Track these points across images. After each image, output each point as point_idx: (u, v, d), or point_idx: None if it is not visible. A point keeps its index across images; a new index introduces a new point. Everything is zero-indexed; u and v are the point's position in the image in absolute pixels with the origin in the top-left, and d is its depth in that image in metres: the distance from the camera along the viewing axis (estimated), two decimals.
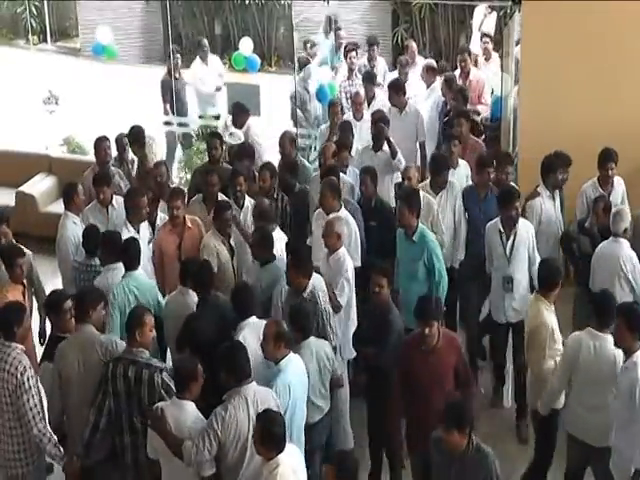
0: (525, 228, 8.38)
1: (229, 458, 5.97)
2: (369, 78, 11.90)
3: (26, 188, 12.22)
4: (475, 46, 13.54)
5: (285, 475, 5.60)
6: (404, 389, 6.81)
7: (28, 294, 8.18)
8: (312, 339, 6.97)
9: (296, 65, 12.51)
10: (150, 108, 13.63)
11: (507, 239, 8.29)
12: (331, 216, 8.24)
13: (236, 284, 7.83)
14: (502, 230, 8.31)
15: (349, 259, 8.01)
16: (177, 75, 13.37)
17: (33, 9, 18.09)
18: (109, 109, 14.52)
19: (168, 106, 13.29)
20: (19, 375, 6.45)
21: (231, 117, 11.15)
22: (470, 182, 9.45)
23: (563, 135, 9.70)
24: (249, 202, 9.00)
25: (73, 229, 8.70)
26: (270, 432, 5.64)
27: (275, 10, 17.90)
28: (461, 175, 9.60)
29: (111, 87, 15.67)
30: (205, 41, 14.24)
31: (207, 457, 5.87)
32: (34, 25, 18.30)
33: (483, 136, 11.00)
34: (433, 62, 12.73)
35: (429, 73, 12.05)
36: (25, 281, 8.11)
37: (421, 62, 12.95)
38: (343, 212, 8.48)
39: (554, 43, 9.81)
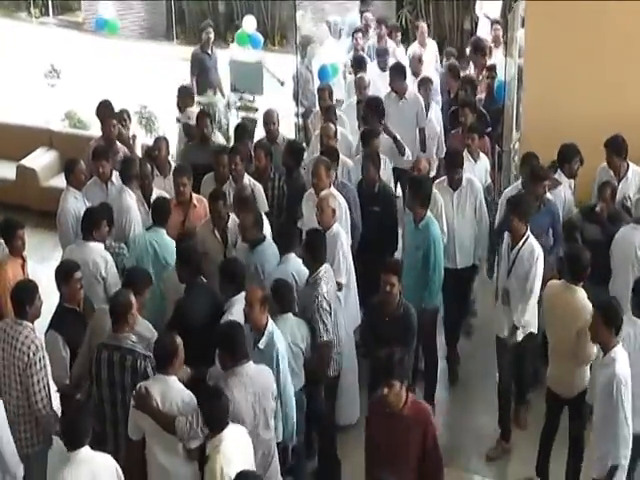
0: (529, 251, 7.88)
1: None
2: (358, 63, 11.80)
3: (27, 162, 12.21)
4: (483, 32, 13.44)
5: (228, 452, 5.63)
6: (370, 455, 6.13)
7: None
8: (290, 315, 7.03)
9: (297, 44, 12.43)
10: (153, 84, 13.57)
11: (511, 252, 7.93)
12: (323, 193, 8.23)
13: (226, 258, 7.81)
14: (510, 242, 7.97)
15: (343, 234, 8.04)
16: (209, 51, 13.18)
17: None
18: (111, 84, 14.48)
19: (195, 81, 13.07)
20: (31, 354, 6.45)
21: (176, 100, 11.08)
22: (489, 178, 9.44)
23: (567, 122, 9.65)
24: (248, 181, 8.97)
25: (74, 203, 8.71)
26: (212, 409, 5.68)
27: None
28: (481, 169, 9.53)
29: (113, 62, 15.61)
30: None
31: (200, 435, 5.85)
32: None
33: (490, 129, 10.73)
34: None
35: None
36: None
37: (431, 44, 12.96)
38: (333, 191, 8.48)
39: (558, 29, 9.77)
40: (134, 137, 10.61)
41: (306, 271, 7.53)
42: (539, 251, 7.75)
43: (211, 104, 12.52)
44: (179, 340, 6.14)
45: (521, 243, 7.73)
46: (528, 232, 7.77)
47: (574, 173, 9.06)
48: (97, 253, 7.69)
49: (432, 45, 13.31)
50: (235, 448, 5.70)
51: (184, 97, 11.16)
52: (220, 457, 5.62)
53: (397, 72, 10.94)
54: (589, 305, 7.05)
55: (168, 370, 6.09)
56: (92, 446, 5.59)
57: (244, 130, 10.11)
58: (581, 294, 7.22)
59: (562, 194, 8.89)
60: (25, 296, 6.67)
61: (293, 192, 9.14)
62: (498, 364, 8.16)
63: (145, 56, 15.94)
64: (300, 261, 7.61)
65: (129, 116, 10.57)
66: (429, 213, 8.30)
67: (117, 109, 10.54)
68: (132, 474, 6.00)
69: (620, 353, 6.36)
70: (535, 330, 8.01)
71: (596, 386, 6.49)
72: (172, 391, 6.04)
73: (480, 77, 11.64)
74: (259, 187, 8.99)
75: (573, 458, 7.34)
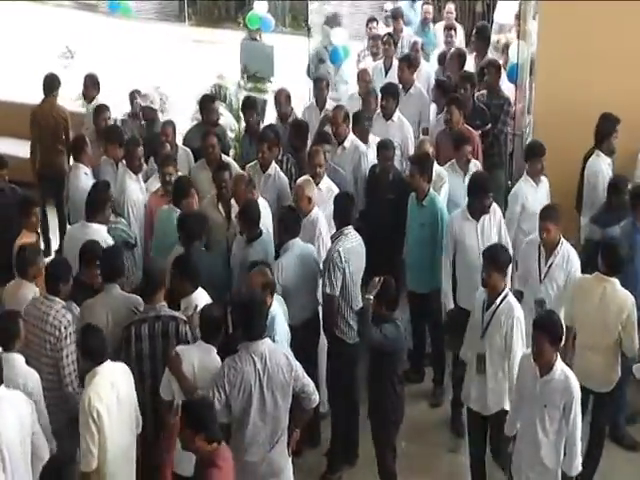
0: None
1: (234, 409, 6.02)
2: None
3: None
4: (501, 15, 13.23)
5: (100, 384, 5.87)
6: None
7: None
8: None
9: (308, 25, 12.36)
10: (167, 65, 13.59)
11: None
12: (300, 180, 8.18)
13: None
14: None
15: (323, 220, 7.94)
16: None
17: None
18: (124, 65, 14.53)
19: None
20: (63, 328, 6.48)
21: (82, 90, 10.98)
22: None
23: (579, 105, 9.55)
24: (274, 170, 8.76)
25: (85, 180, 8.76)
26: (88, 341, 5.95)
27: None
28: (542, 194, 8.60)
29: (126, 43, 15.66)
30: None
31: (217, 407, 5.89)
32: None
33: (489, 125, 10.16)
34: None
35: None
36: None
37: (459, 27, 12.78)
38: (326, 181, 8.39)
39: (573, 11, 9.70)
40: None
41: (312, 250, 7.57)
42: (519, 312, 6.78)
43: (222, 86, 12.52)
44: (224, 311, 6.32)
45: (498, 301, 6.78)
46: (507, 289, 6.88)
47: (613, 149, 8.84)
48: (99, 236, 7.60)
49: (460, 29, 13.09)
50: (108, 384, 5.90)
51: (90, 87, 10.94)
52: (89, 390, 5.86)
53: (405, 62, 10.66)
54: (630, 295, 7.02)
55: (212, 342, 6.23)
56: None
57: (251, 104, 9.95)
58: (618, 285, 7.03)
59: (603, 169, 8.71)
60: (60, 273, 6.73)
61: (301, 173, 8.95)
62: (469, 437, 7.31)
63: (158, 37, 16.00)
64: (306, 245, 7.58)
65: (141, 95, 10.57)
66: (432, 189, 8.27)
67: (129, 89, 10.57)
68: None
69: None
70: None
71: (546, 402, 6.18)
72: (212, 360, 6.16)
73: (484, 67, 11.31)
74: (284, 180, 8.78)
75: (595, 448, 7.20)
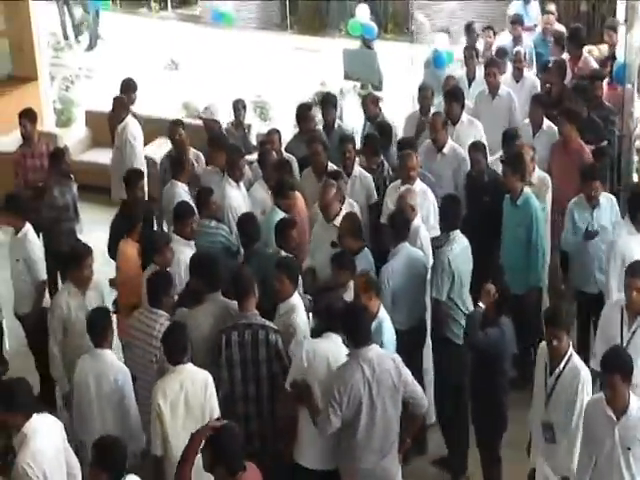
0: None
1: (344, 417, 6.03)
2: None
3: (148, 151, 12.51)
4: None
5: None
6: None
7: None
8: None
9: (413, 32, 12.28)
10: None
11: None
12: (402, 190, 8.04)
13: None
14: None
15: (424, 230, 7.80)
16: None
17: None
18: (227, 74, 14.74)
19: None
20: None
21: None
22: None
23: None
24: (358, 173, 8.79)
25: (183, 196, 8.68)
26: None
27: None
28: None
29: (229, 53, 15.88)
30: None
31: (334, 419, 5.96)
32: None
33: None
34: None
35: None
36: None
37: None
38: (419, 184, 8.29)
39: None
40: (249, 126, 10.76)
41: (421, 255, 7.53)
42: (585, 372, 6.14)
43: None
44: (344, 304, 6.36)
45: (563, 364, 6.15)
46: (570, 349, 6.19)
47: None
48: (186, 254, 7.55)
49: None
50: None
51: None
52: None
53: (491, 66, 10.38)
54: None
55: (334, 330, 6.21)
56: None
57: (329, 100, 10.02)
58: None
59: None
60: (161, 286, 6.82)
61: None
62: None
63: (260, 46, 16.17)
64: (414, 249, 7.52)
65: (244, 106, 10.69)
66: (526, 188, 8.14)
67: (232, 99, 10.70)
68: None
69: None
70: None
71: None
72: (340, 352, 6.18)
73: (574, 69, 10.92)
74: (369, 179, 8.82)
75: None
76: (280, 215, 7.95)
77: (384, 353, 6.20)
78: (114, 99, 10.58)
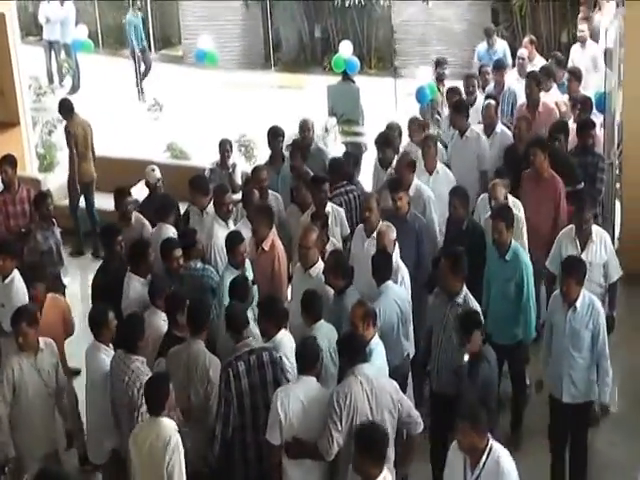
0: None
1: (345, 434, 6.06)
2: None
3: (133, 194, 12.46)
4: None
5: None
6: None
7: None
8: (323, 322, 7.02)
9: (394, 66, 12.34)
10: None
11: None
12: (382, 226, 7.99)
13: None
14: None
15: (404, 269, 7.80)
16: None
17: None
18: (211, 115, 14.75)
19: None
20: (135, 391, 6.52)
21: None
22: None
23: None
24: (330, 208, 8.80)
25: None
26: None
27: (374, 12, 17.92)
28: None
29: (213, 93, 15.92)
30: None
31: (340, 443, 6.03)
32: None
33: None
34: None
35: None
36: None
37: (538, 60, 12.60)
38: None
39: None
40: (234, 165, 10.74)
41: (405, 294, 7.53)
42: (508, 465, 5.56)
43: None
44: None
45: (482, 462, 5.56)
46: (491, 442, 5.57)
47: None
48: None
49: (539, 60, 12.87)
50: None
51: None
52: None
53: (456, 108, 10.24)
54: None
55: (308, 372, 6.28)
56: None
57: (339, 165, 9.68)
58: None
59: None
60: (136, 331, 6.78)
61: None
62: None
63: (244, 85, 16.25)
64: (400, 288, 7.56)
65: (231, 146, 10.69)
66: (513, 241, 7.95)
67: (217, 139, 10.69)
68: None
69: None
70: None
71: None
72: (315, 392, 6.22)
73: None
74: (342, 213, 8.90)
75: None
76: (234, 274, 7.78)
77: (379, 372, 6.36)
78: None
